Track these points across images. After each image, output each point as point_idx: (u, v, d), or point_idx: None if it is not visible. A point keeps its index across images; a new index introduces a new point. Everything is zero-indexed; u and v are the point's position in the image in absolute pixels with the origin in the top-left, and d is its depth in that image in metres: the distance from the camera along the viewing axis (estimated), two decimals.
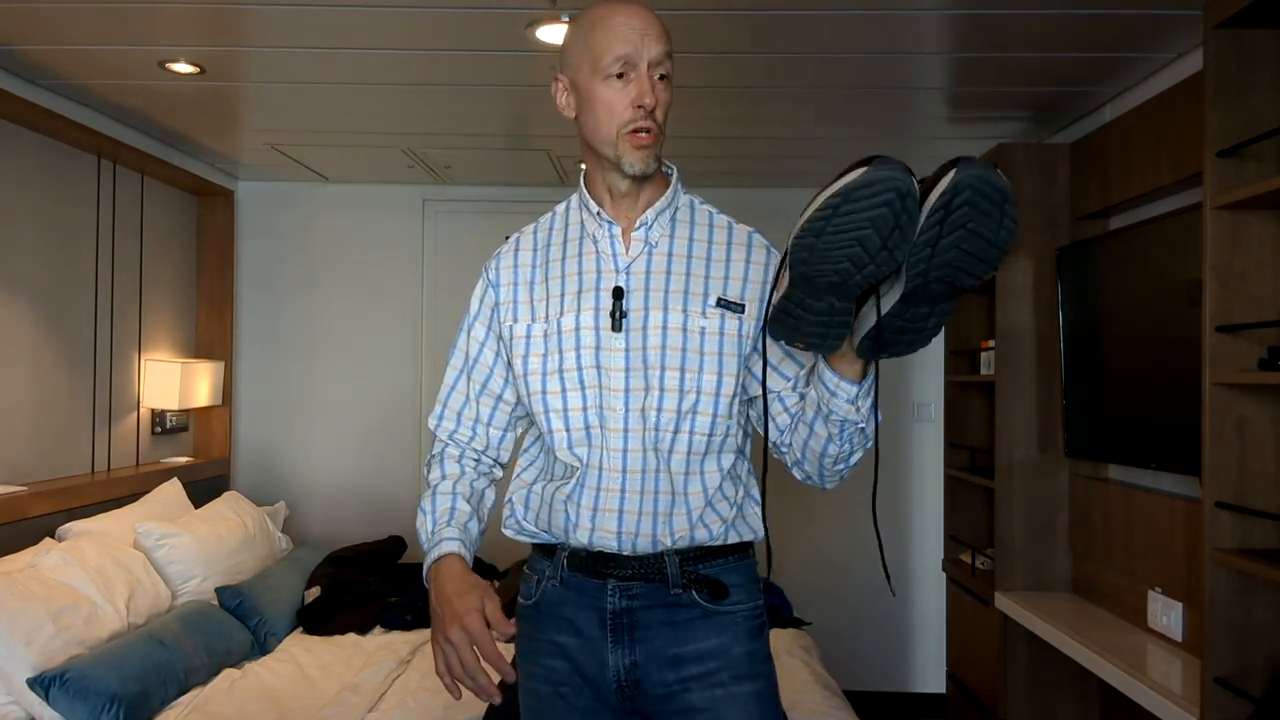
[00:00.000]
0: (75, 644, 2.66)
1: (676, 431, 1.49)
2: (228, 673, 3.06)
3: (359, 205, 4.68)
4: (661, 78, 1.46)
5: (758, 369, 1.53)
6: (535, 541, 1.60)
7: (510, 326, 1.58)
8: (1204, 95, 2.20)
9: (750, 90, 3.20)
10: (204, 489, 4.05)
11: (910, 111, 3.46)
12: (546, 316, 1.54)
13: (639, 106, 1.43)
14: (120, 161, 3.73)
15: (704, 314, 1.50)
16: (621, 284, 1.51)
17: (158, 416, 4.09)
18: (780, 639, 3.49)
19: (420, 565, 4.12)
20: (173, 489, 3.77)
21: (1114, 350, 3.02)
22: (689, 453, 1.50)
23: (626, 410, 1.49)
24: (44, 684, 2.51)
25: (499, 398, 1.62)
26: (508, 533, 1.62)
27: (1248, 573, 2.12)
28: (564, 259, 1.56)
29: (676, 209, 1.56)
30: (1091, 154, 3.25)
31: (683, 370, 1.49)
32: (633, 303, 1.50)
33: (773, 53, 2.83)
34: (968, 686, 3.83)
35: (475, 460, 1.65)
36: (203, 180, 4.25)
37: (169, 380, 3.94)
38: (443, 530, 1.51)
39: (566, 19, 2.54)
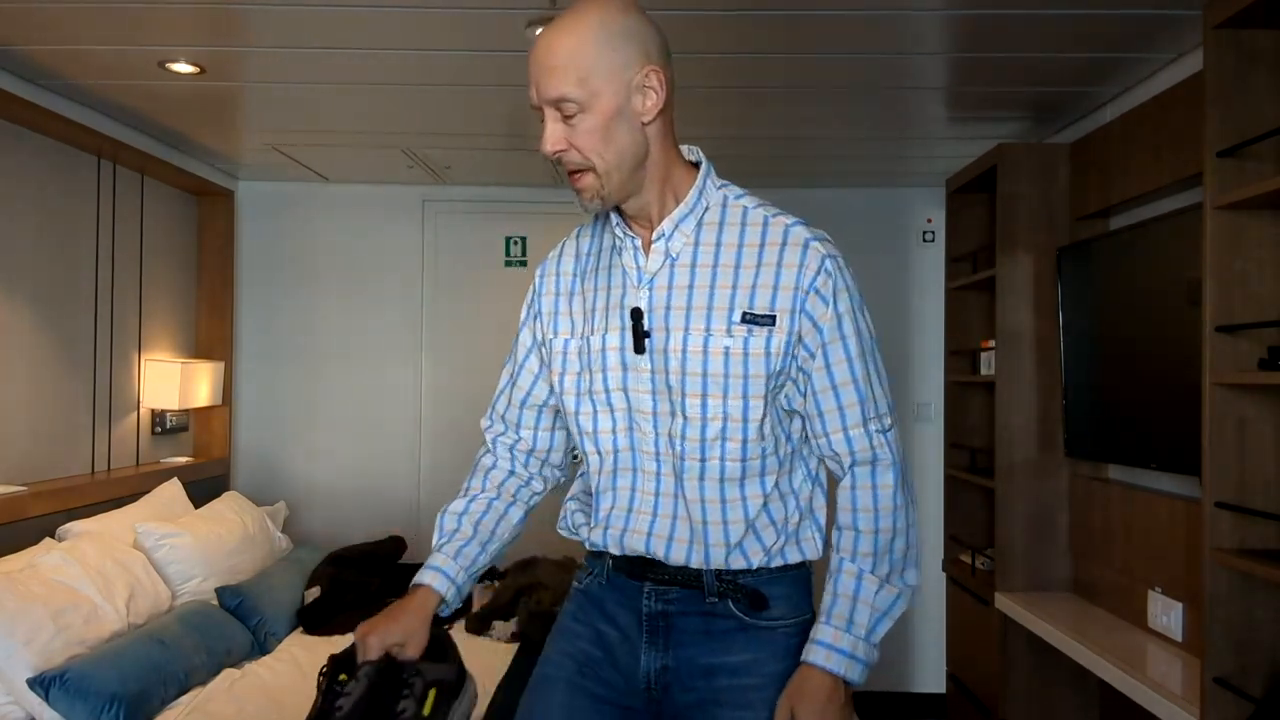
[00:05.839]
0: (75, 644, 2.66)
1: (704, 459, 1.42)
2: (228, 673, 3.06)
3: (359, 205, 4.67)
4: (572, 115, 1.34)
5: (808, 384, 1.44)
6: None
7: (550, 340, 1.54)
8: (1204, 95, 2.20)
9: (750, 90, 3.20)
10: (204, 489, 4.05)
11: (910, 111, 3.46)
12: (581, 333, 1.50)
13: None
14: (120, 161, 3.73)
15: (728, 332, 1.39)
16: (643, 302, 1.43)
17: (158, 416, 4.09)
18: None
19: (421, 565, 4.14)
20: (173, 489, 3.77)
21: (1114, 350, 3.02)
22: (722, 479, 1.43)
23: (656, 434, 1.44)
24: (44, 684, 2.51)
25: (543, 404, 1.60)
26: (561, 533, 1.63)
27: (1248, 573, 2.12)
28: (598, 270, 1.51)
29: (705, 209, 1.44)
30: (1091, 154, 3.24)
31: (704, 396, 1.40)
32: (654, 322, 1.42)
33: (773, 53, 2.83)
34: (968, 686, 3.83)
35: (523, 463, 1.64)
36: (203, 180, 4.24)
37: (169, 380, 3.94)
38: (434, 555, 1.56)
39: None
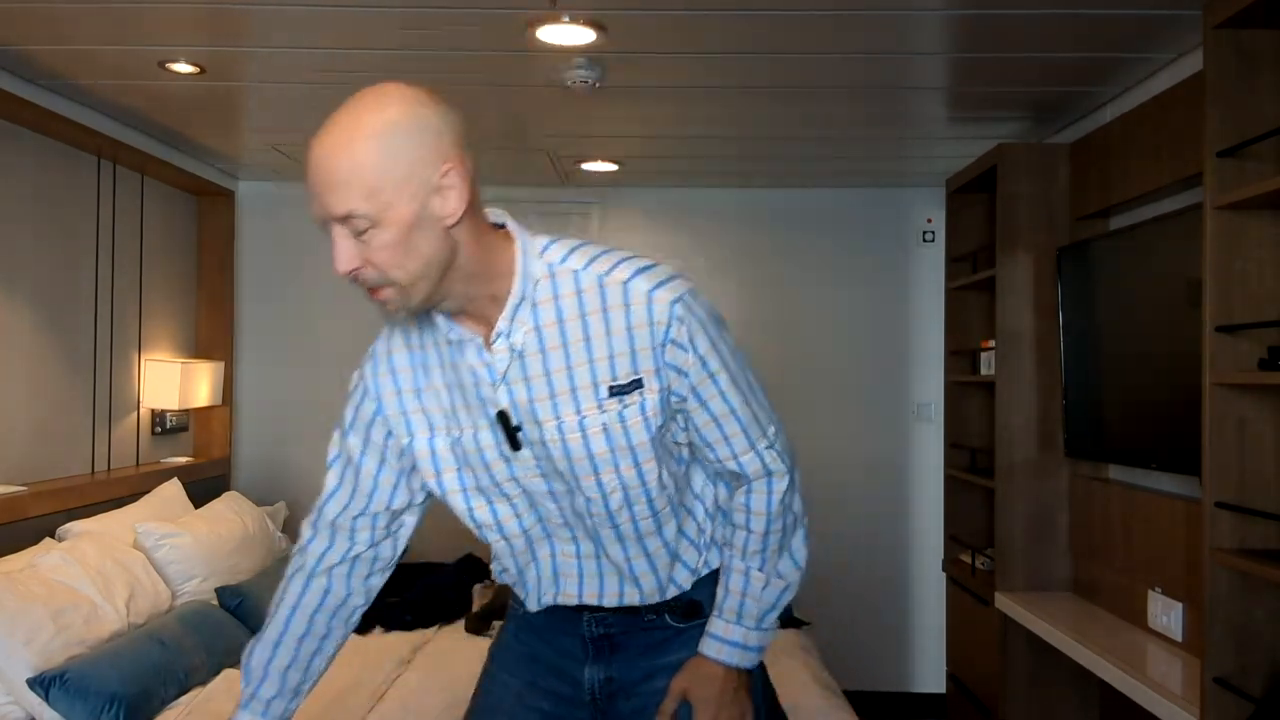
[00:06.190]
0: (75, 644, 2.66)
1: (616, 525, 1.40)
2: (228, 673, 3.05)
3: None
4: (364, 230, 1.21)
5: (689, 422, 1.41)
6: None
7: (406, 442, 1.43)
8: (1204, 95, 2.20)
9: (750, 90, 3.19)
10: (204, 489, 4.05)
11: (910, 111, 3.46)
12: (447, 430, 1.40)
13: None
14: (120, 161, 3.73)
15: (600, 409, 1.32)
16: (503, 402, 1.34)
17: (158, 416, 4.09)
18: (780, 639, 3.49)
19: (421, 565, 4.13)
20: (173, 489, 3.77)
21: (1114, 350, 3.02)
22: (639, 536, 1.42)
23: (560, 508, 1.42)
24: (44, 684, 2.51)
25: (384, 508, 1.50)
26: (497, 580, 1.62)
27: (1248, 573, 2.12)
28: (441, 366, 1.40)
29: (535, 286, 1.32)
30: (1091, 154, 3.24)
31: (597, 475, 1.35)
32: (523, 417, 1.34)
33: (773, 53, 2.83)
34: (968, 686, 3.83)
35: (345, 577, 1.55)
36: (203, 180, 4.25)
37: (169, 380, 3.94)
38: (241, 712, 1.49)
39: (567, 19, 2.54)
